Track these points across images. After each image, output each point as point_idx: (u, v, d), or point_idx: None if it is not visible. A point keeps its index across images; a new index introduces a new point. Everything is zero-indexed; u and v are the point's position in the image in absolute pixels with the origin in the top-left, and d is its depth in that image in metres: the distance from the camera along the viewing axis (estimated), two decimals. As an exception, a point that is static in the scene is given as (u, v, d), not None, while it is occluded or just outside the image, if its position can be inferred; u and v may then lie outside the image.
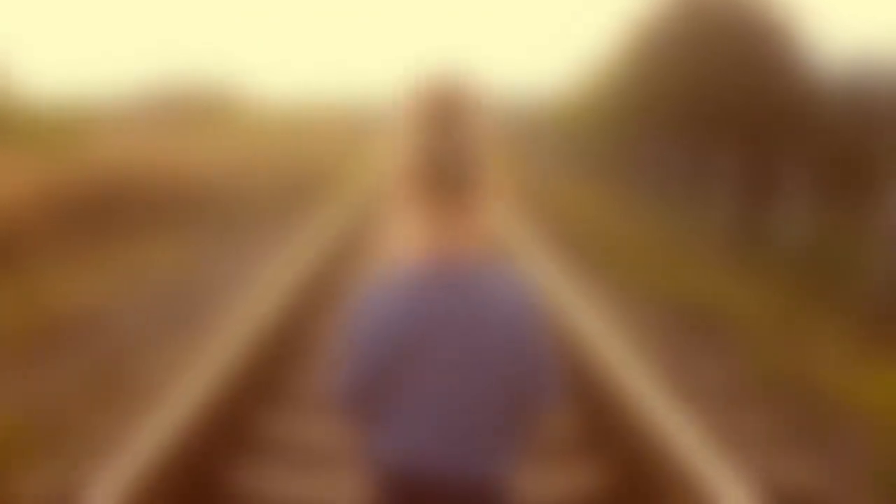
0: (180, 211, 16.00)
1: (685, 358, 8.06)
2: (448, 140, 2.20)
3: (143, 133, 23.31)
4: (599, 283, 11.50)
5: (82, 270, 11.80)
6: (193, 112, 34.91)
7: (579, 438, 5.90)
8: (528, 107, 41.22)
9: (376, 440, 2.26)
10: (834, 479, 5.50)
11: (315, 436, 5.93)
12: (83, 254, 12.72)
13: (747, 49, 18.85)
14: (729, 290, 11.21)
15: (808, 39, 18.62)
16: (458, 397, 2.21)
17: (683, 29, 20.71)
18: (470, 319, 2.21)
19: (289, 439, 5.83)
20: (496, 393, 2.22)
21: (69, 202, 14.09)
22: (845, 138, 16.17)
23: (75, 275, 11.49)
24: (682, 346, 8.52)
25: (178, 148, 19.45)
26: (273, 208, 18.52)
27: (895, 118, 15.78)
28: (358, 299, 2.27)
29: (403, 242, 2.24)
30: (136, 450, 4.30)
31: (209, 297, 10.29)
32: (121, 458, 4.29)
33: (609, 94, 26.13)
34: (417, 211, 2.22)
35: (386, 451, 2.24)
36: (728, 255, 13.76)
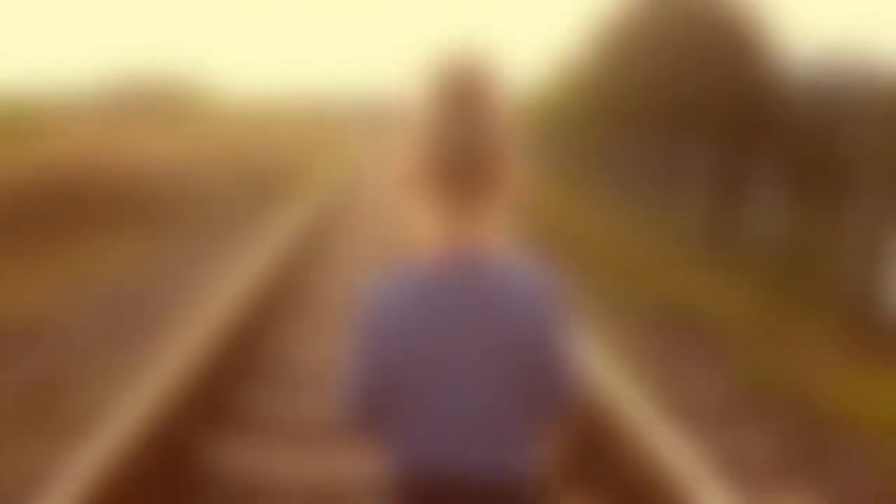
0: (133, 209, 15.54)
1: (670, 367, 7.73)
2: (466, 127, 2.09)
3: (104, 127, 22.93)
4: (569, 285, 11.17)
5: (23, 272, 11.36)
6: (158, 107, 34.59)
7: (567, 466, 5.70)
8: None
9: (394, 443, 2.19)
10: None
11: (259, 464, 5.50)
12: (25, 254, 12.28)
13: (718, 44, 18.71)
14: (706, 290, 10.91)
15: (778, 35, 18.56)
16: (478, 396, 2.14)
17: (652, 24, 20.57)
18: (489, 317, 2.13)
19: (233, 466, 5.39)
20: (517, 391, 2.15)
21: (15, 197, 13.64)
22: (817, 135, 16.04)
23: (15, 277, 11.05)
24: (665, 354, 8.19)
25: (135, 143, 18.98)
26: (232, 206, 18.11)
27: (865, 115, 15.66)
28: (370, 298, 2.18)
29: (417, 237, 2.15)
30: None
31: (158, 304, 9.86)
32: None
33: (578, 90, 26.05)
34: (431, 205, 2.12)
35: (405, 454, 2.17)
36: (702, 254, 13.48)
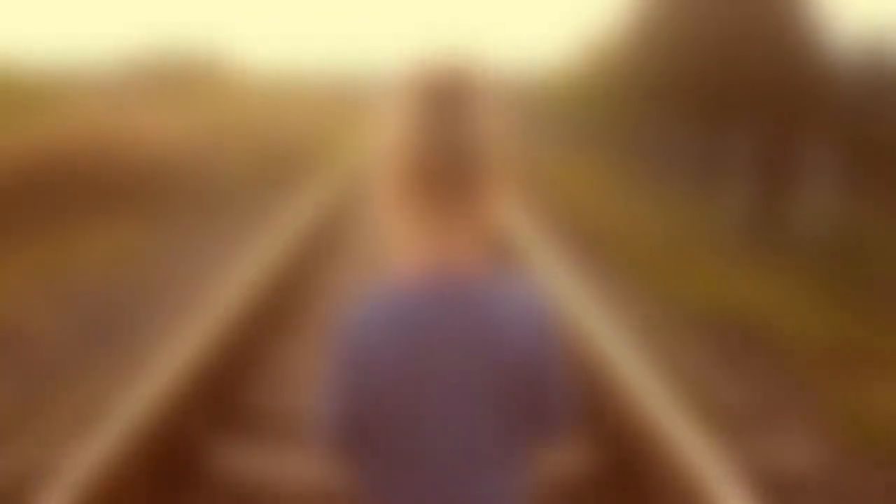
0: (128, 195, 14.45)
1: (736, 409, 6.58)
2: (449, 130, 1.95)
3: (120, 103, 22.03)
4: (607, 285, 10.03)
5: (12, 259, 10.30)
6: (178, 82, 34.02)
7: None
8: (523, 84, 40.13)
9: (370, 482, 2.04)
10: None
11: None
12: (17, 239, 11.23)
13: (764, 18, 17.63)
14: (760, 294, 9.74)
15: (827, 15, 17.63)
16: (462, 429, 1.99)
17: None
18: (474, 341, 1.97)
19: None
20: (505, 425, 2.00)
21: (15, 176, 12.65)
22: (873, 118, 15.01)
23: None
24: (726, 384, 7.04)
25: (141, 120, 17.91)
26: (247, 188, 17.05)
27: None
28: (343, 320, 2.03)
29: (395, 252, 2.01)
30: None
31: (156, 301, 8.82)
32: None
33: (611, 69, 25.12)
34: (411, 214, 1.97)
35: (381, 492, 2.03)
36: (749, 250, 12.31)
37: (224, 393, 5.84)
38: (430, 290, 1.98)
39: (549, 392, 2.02)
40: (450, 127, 1.95)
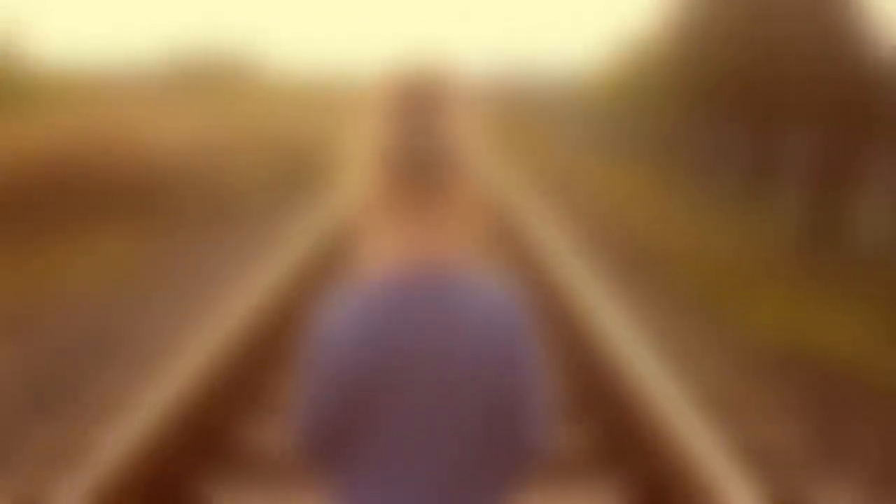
0: (128, 201, 13.34)
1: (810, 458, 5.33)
2: (425, 131, 2.01)
3: (135, 104, 21.16)
4: (651, 312, 8.75)
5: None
6: (207, 83, 33.56)
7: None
8: (564, 84, 39.15)
9: (344, 484, 2.01)
10: None
11: None
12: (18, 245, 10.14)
13: (818, 13, 16.59)
14: (825, 322, 8.45)
15: (881, 10, 16.67)
16: (438, 432, 1.97)
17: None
18: (450, 341, 1.98)
19: None
20: (481, 426, 1.99)
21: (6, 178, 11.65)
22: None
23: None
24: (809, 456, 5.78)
25: (155, 121, 16.85)
26: (262, 195, 15.96)
27: None
28: (319, 319, 2.03)
29: (372, 251, 2.03)
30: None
31: (151, 322, 7.75)
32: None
33: (655, 68, 24.10)
34: (388, 214, 2.01)
35: (356, 497, 2.00)
36: (807, 266, 11.02)
37: (215, 429, 5.57)
38: (404, 290, 1.98)
39: (521, 391, 1.99)
40: (425, 127, 1.99)
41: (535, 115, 40.31)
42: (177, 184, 14.65)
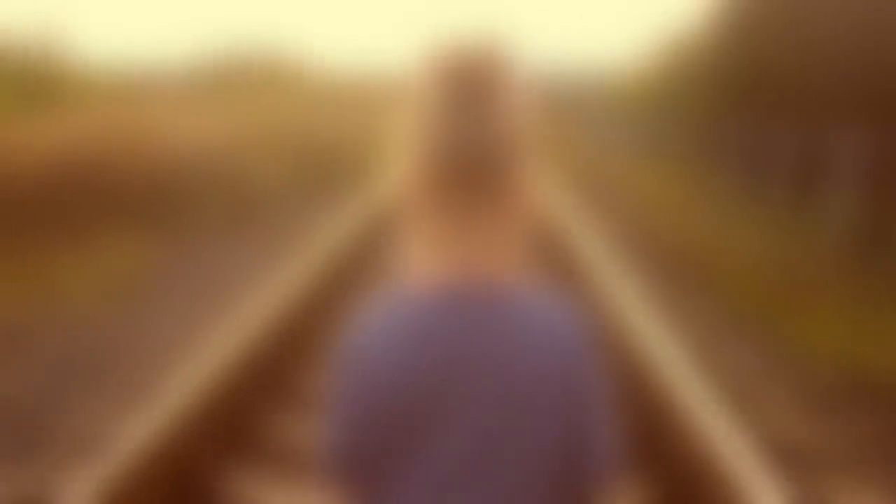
0: (139, 205, 12.80)
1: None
2: (474, 126, 1.73)
3: (173, 101, 20.85)
4: (696, 329, 8.09)
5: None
6: (244, 80, 33.32)
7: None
8: (601, 82, 38.62)
9: None
10: None
11: None
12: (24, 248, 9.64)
13: (869, 3, 16.00)
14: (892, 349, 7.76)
15: None
16: (484, 464, 1.71)
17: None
18: (499, 362, 1.72)
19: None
20: (534, 460, 1.72)
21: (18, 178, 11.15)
22: None
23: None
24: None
25: (190, 118, 16.33)
26: (286, 197, 15.41)
27: None
28: (351, 335, 1.78)
29: (411, 258, 1.78)
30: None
31: (153, 342, 7.23)
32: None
33: (696, 65, 23.43)
34: (431, 219, 1.76)
35: None
36: (865, 280, 10.31)
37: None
38: (448, 299, 1.75)
39: (585, 425, 1.75)
40: (475, 119, 1.74)
41: (572, 115, 39.71)
42: (198, 185, 14.09)
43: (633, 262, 10.90)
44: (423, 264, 1.77)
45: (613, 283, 8.25)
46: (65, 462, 4.98)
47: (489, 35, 1.79)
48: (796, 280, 10.13)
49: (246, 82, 33.29)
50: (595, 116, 35.16)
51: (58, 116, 14.51)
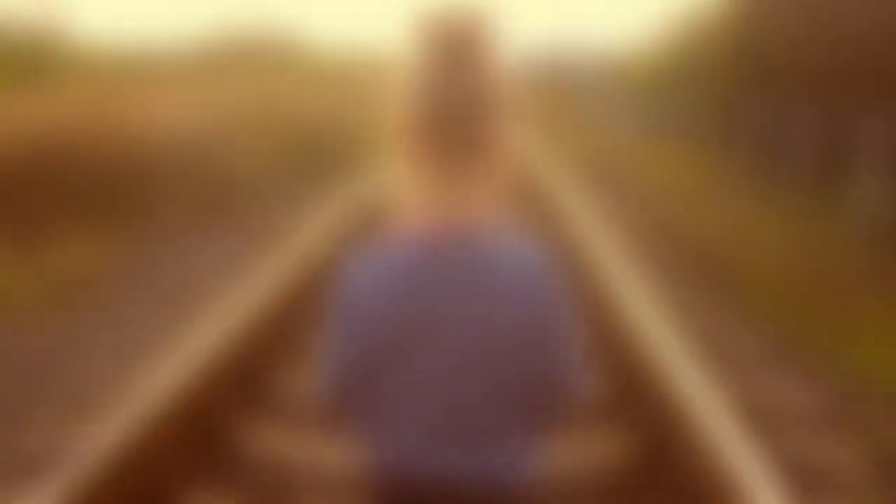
0: (131, 185, 11.98)
1: None
2: (456, 85, 2.01)
3: (164, 81, 20.23)
4: (717, 333, 7.07)
5: None
6: (246, 60, 33.04)
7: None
8: (614, 61, 37.99)
9: (370, 439, 2.10)
10: None
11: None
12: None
13: None
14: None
15: None
16: (463, 389, 2.05)
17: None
18: (477, 300, 2.04)
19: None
20: (508, 383, 2.05)
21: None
22: None
23: None
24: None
25: (157, 99, 15.48)
26: (272, 181, 14.62)
27: None
28: (346, 277, 2.08)
29: (402, 207, 2.05)
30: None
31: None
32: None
33: (714, 41, 22.93)
34: (417, 171, 2.04)
35: (382, 451, 2.08)
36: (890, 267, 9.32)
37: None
38: (433, 246, 2.02)
39: (549, 346, 2.04)
40: (458, 78, 1.98)
41: (583, 95, 39.03)
42: (174, 172, 13.22)
43: (641, 257, 10.00)
44: (411, 212, 2.01)
45: (618, 277, 7.38)
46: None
47: (474, 7, 2.03)
48: (827, 275, 9.11)
49: (250, 63, 32.89)
50: (609, 96, 34.46)
51: (26, 101, 13.66)
